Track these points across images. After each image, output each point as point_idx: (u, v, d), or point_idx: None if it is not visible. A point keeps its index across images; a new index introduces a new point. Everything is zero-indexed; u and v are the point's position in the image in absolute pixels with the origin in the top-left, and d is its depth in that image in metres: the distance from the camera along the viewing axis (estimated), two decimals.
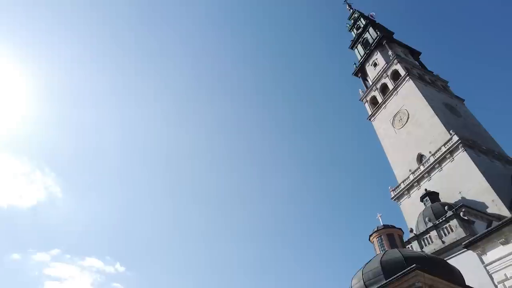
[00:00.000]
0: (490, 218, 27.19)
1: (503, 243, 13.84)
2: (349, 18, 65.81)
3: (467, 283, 17.51)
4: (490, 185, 29.39)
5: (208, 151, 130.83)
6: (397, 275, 15.89)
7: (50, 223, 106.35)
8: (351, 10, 66.38)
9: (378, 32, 55.45)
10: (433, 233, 25.73)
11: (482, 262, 15.35)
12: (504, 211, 27.28)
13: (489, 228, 15.35)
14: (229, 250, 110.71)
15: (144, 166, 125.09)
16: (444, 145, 34.53)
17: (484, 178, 30.01)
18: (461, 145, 32.82)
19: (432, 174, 35.10)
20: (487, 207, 28.89)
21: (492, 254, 14.18)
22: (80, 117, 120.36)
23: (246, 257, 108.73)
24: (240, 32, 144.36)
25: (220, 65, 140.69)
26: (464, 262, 20.71)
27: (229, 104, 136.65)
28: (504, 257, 13.67)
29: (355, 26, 62.62)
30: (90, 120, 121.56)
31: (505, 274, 13.55)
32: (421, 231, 27.26)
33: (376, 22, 59.90)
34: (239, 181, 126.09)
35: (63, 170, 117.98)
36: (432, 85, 45.28)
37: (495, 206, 28.39)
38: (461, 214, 25.96)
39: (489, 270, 14.35)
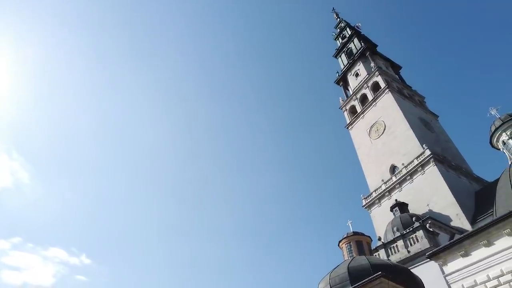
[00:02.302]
0: (453, 231, 28.44)
1: (463, 255, 14.55)
2: (336, 27, 67.01)
3: None
4: (456, 200, 30.70)
5: (190, 148, 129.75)
6: (363, 281, 16.42)
7: (13, 209, 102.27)
8: (338, 19, 67.62)
9: (362, 43, 56.70)
10: (400, 243, 26.64)
11: (443, 272, 16.05)
12: (466, 225, 28.59)
13: (451, 241, 16.09)
14: (201, 249, 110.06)
15: (122, 158, 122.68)
16: (416, 158, 35.72)
17: (450, 193, 31.30)
18: (432, 159, 34.07)
19: (403, 186, 36.23)
20: (451, 220, 30.17)
21: (452, 265, 14.87)
22: (57, 102, 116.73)
23: (217, 257, 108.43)
24: (229, 33, 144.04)
25: (207, 66, 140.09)
26: (426, 271, 21.53)
27: (213, 104, 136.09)
28: (463, 268, 14.38)
29: (341, 35, 63.82)
30: (68, 106, 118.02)
31: (462, 285, 14.25)
32: (389, 240, 28.15)
33: (361, 33, 61.28)
34: (216, 181, 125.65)
35: (33, 156, 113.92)
36: (409, 99, 46.73)
37: (459, 220, 29.70)
38: (427, 225, 27.06)
39: (448, 280, 15.05)
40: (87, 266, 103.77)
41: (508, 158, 19.99)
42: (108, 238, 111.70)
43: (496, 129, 21.06)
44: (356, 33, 60.42)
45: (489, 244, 13.93)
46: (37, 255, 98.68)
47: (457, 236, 21.46)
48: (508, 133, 20.36)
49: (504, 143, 20.63)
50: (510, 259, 13.21)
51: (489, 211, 25.34)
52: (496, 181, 19.82)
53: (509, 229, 13.50)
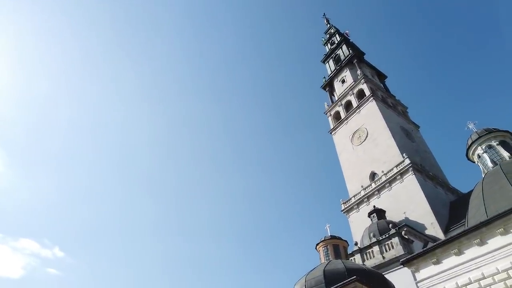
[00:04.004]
0: (427, 239, 29.23)
1: (435, 263, 15.01)
2: (325, 33, 67.80)
3: None
4: (431, 209, 31.56)
5: (171, 144, 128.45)
6: (338, 285, 16.76)
7: None
8: (328, 25, 68.45)
9: (350, 51, 57.50)
10: (376, 248, 27.20)
11: (415, 279, 16.51)
12: (439, 234, 29.45)
13: (424, 248, 16.56)
14: (175, 246, 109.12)
15: (102, 149, 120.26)
16: (396, 166, 36.49)
17: (427, 202, 32.15)
18: (411, 168, 34.89)
19: (381, 193, 36.94)
20: (426, 228, 31.00)
21: (424, 272, 15.31)
22: (36, 89, 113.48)
23: (192, 255, 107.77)
24: (220, 35, 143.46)
25: (199, 66, 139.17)
26: (399, 277, 22.09)
27: (204, 104, 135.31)
28: (434, 275, 14.84)
29: (330, 41, 64.59)
30: (47, 93, 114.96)
31: None
32: (365, 245, 28.69)
33: (350, 40, 62.19)
34: (194, 180, 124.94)
35: (7, 143, 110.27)
36: (392, 108, 47.71)
37: (433, 228, 30.56)
38: (403, 233, 27.74)
39: (420, 287, 15.50)
40: (60, 259, 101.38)
41: (482, 171, 20.71)
42: (84, 231, 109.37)
43: (473, 142, 21.76)
44: (345, 40, 61.28)
45: (459, 253, 14.43)
46: (6, 246, 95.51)
47: (430, 244, 22.06)
48: (483, 147, 21.08)
49: (479, 156, 21.35)
50: (478, 268, 13.71)
51: (462, 221, 26.14)
52: (470, 192, 20.49)
53: (479, 239, 14.02)
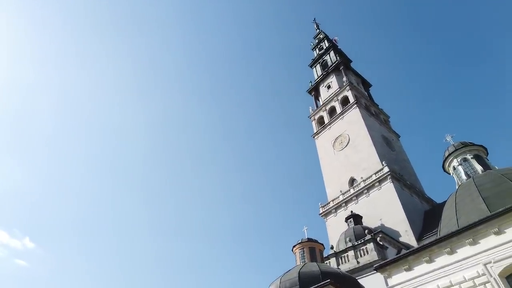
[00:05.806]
0: (401, 246, 30.00)
1: (407, 270, 15.50)
2: (314, 38, 68.48)
3: None
4: (406, 217, 32.36)
5: (157, 140, 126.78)
6: (312, 287, 17.01)
7: None
8: (318, 30, 69.19)
9: (338, 57, 58.28)
10: (351, 253, 27.73)
11: (387, 284, 16.95)
12: (413, 242, 30.26)
13: (397, 255, 17.03)
14: (152, 243, 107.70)
15: (94, 145, 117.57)
16: (375, 173, 37.24)
17: (402, 210, 32.93)
18: (389, 176, 35.68)
19: (359, 198, 37.61)
20: (400, 236, 31.79)
21: (396, 278, 15.77)
22: (21, 79, 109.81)
23: (169, 254, 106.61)
24: (211, 33, 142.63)
25: (190, 64, 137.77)
26: (372, 282, 22.59)
27: (192, 102, 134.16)
28: (405, 281, 15.32)
29: (318, 46, 65.28)
30: (27, 79, 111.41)
31: None
32: (341, 249, 29.20)
33: (338, 47, 63.04)
34: (178, 178, 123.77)
35: None
36: (375, 117, 48.62)
37: (407, 236, 31.36)
38: (378, 239, 28.39)
39: None
40: (30, 250, 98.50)
41: (456, 183, 21.43)
42: (57, 222, 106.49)
43: (449, 154, 22.46)
44: (333, 46, 62.05)
45: (430, 260, 14.94)
46: None
47: (403, 251, 22.68)
48: (459, 160, 21.81)
49: (454, 168, 22.08)
50: (446, 276, 14.24)
51: (435, 230, 26.90)
52: (444, 203, 21.16)
53: (449, 248, 14.56)
